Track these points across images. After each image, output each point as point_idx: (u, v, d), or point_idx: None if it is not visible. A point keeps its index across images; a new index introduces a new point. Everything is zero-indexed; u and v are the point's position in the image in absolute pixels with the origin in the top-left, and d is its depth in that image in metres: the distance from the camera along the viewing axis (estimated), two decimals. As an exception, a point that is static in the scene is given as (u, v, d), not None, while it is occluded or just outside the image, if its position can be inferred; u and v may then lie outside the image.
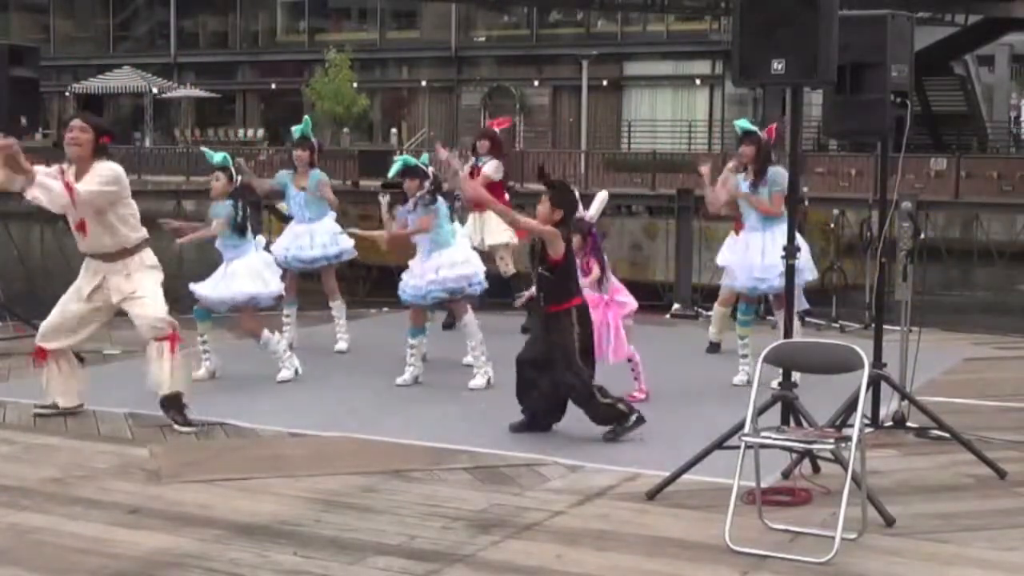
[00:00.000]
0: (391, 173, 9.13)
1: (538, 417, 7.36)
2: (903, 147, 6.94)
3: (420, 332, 8.86)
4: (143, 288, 7.46)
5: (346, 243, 10.16)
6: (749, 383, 8.76)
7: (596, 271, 8.11)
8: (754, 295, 9.15)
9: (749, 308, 9.16)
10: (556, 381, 7.22)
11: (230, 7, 49.47)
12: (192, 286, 8.89)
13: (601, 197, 8.41)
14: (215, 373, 8.94)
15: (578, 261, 8.12)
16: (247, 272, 8.79)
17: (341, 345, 10.06)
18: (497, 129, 11.27)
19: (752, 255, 8.91)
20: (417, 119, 45.63)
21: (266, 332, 8.84)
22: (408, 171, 8.75)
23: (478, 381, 8.56)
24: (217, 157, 8.91)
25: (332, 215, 10.15)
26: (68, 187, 7.12)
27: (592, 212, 8.23)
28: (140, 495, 6.05)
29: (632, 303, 8.32)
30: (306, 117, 10.50)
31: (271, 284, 8.92)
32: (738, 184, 8.99)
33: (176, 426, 7.39)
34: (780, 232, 8.71)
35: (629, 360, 8.27)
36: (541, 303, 7.34)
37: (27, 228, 20.46)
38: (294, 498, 5.99)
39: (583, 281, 7.98)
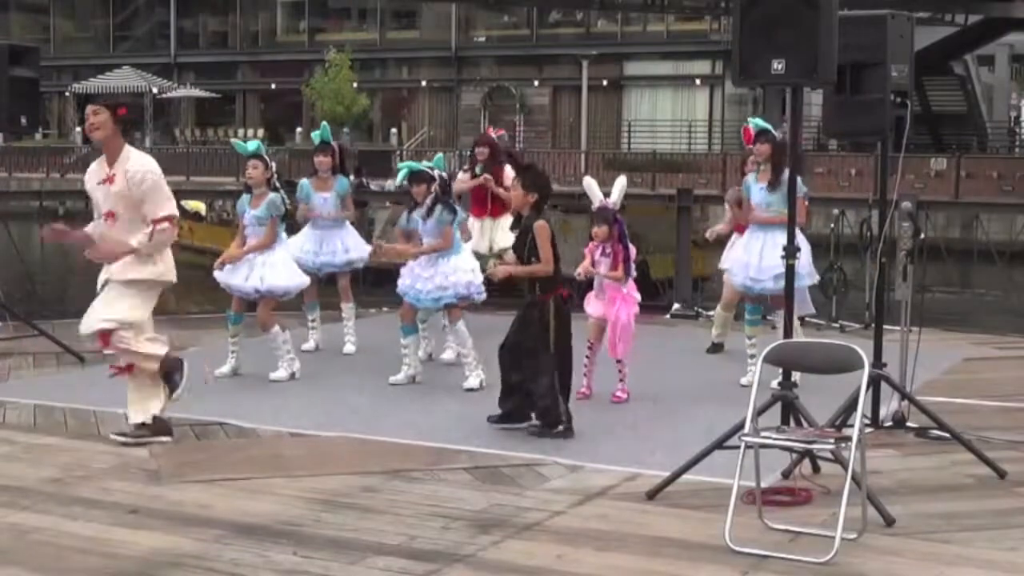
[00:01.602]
0: (398, 180, 9.11)
1: (516, 408, 7.38)
2: (903, 147, 6.94)
3: (413, 331, 8.84)
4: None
5: (365, 249, 10.23)
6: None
7: (622, 261, 8.18)
8: (749, 295, 9.09)
9: (756, 308, 9.12)
10: (527, 366, 7.27)
11: (230, 7, 49.50)
12: (220, 275, 8.92)
13: (620, 183, 8.43)
14: (237, 371, 8.98)
15: (608, 250, 8.16)
16: (283, 264, 8.93)
17: (349, 348, 10.03)
18: (495, 135, 11.17)
19: (750, 255, 8.88)
20: (417, 119, 45.66)
21: (276, 327, 8.88)
22: (414, 177, 8.68)
23: (472, 382, 8.55)
24: (251, 146, 8.96)
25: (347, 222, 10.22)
26: (109, 179, 6.85)
27: (614, 199, 8.26)
28: (140, 495, 6.04)
29: (636, 303, 8.35)
30: (324, 123, 10.46)
31: (298, 278, 9.07)
32: (749, 185, 8.95)
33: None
34: (781, 235, 8.72)
35: (618, 361, 8.27)
36: (535, 291, 7.32)
37: (27, 228, 20.46)
38: (294, 498, 5.99)
39: (605, 271, 8.03)
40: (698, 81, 41.19)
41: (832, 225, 12.96)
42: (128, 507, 5.84)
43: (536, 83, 43.52)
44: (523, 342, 7.29)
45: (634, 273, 8.38)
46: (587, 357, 8.27)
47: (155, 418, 7.06)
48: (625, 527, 5.58)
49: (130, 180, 6.83)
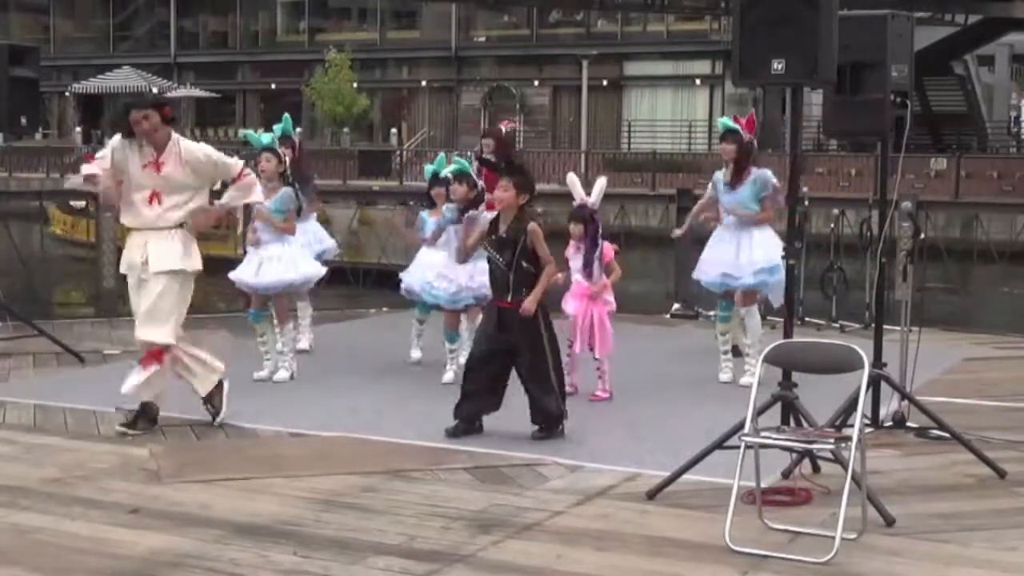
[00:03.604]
0: (448, 170, 8.95)
1: (475, 415, 7.32)
2: (903, 147, 6.94)
3: (457, 336, 8.89)
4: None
5: (329, 242, 10.16)
6: (734, 380, 8.80)
7: (610, 256, 8.25)
8: (720, 291, 9.05)
9: (728, 305, 9.08)
10: (509, 369, 7.24)
11: (230, 7, 49.52)
12: (232, 274, 8.94)
13: (600, 183, 8.45)
14: (272, 375, 8.89)
15: (581, 248, 8.19)
16: (289, 258, 8.85)
17: (303, 344, 9.83)
18: (504, 128, 11.11)
19: (724, 253, 8.86)
20: (417, 119, 45.68)
21: (291, 323, 8.92)
22: (461, 175, 8.64)
23: (450, 376, 8.66)
24: (265, 139, 8.95)
25: (314, 215, 10.12)
26: (156, 164, 7.34)
27: (593, 199, 8.28)
28: (140, 495, 6.04)
29: (614, 304, 8.37)
30: (285, 115, 10.35)
31: (307, 268, 9.00)
32: (717, 183, 8.96)
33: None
34: (758, 232, 8.72)
35: (596, 359, 8.28)
36: (520, 297, 7.22)
37: (27, 228, 20.46)
38: (294, 498, 5.99)
39: (578, 267, 8.09)
40: (698, 81, 41.20)
41: (832, 225, 12.95)
42: (128, 507, 5.84)
43: (536, 83, 43.54)
44: (522, 350, 7.22)
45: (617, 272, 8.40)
46: (567, 355, 8.32)
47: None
48: (625, 527, 5.58)
49: (190, 159, 7.36)
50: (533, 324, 7.19)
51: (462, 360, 8.47)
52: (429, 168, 9.22)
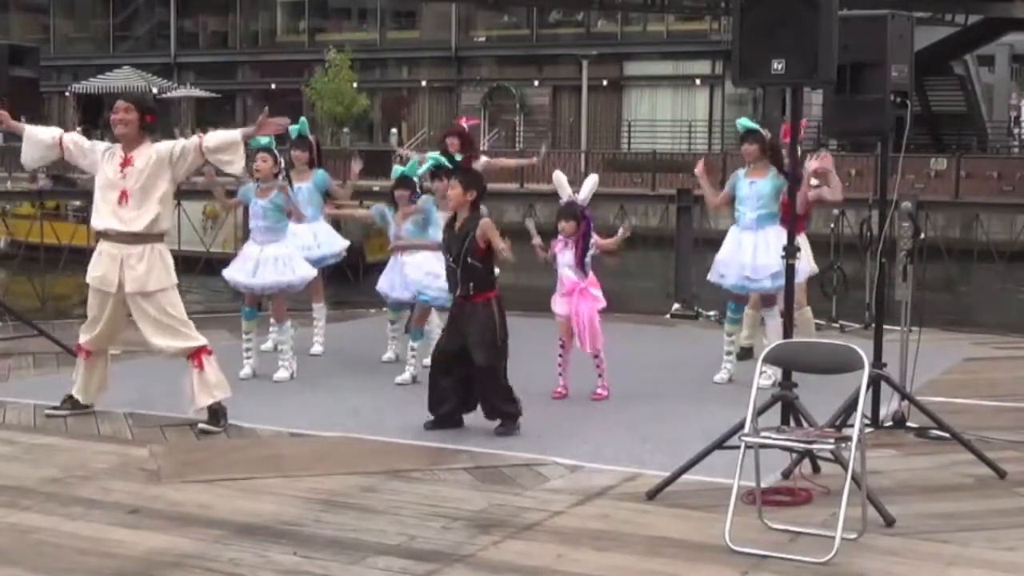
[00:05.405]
0: (423, 169, 9.17)
1: (450, 412, 7.37)
2: (903, 147, 6.94)
3: (421, 335, 8.89)
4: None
5: (342, 243, 10.18)
6: (731, 381, 8.80)
7: (589, 254, 8.28)
8: (742, 293, 9.05)
9: (738, 307, 9.09)
10: (471, 369, 7.25)
11: (230, 7, 49.56)
12: (226, 274, 9.01)
13: (591, 180, 8.46)
14: (255, 372, 8.95)
15: (571, 244, 8.20)
16: (286, 258, 8.89)
17: (317, 348, 9.90)
18: (466, 125, 11.05)
19: (743, 254, 8.85)
20: (417, 119, 45.70)
21: (289, 321, 8.93)
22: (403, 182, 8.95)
23: (407, 376, 8.74)
24: (263, 139, 8.99)
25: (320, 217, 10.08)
26: (126, 160, 7.25)
27: (583, 196, 8.29)
28: (140, 495, 6.05)
29: (602, 300, 8.36)
30: (302, 118, 10.41)
31: (303, 270, 9.03)
32: (737, 181, 8.95)
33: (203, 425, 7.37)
34: (774, 233, 8.70)
35: (595, 357, 8.29)
36: (468, 292, 7.31)
37: (26, 227, 20.48)
38: (294, 498, 5.99)
39: (568, 263, 8.07)
40: (698, 81, 41.22)
41: (832, 225, 12.94)
42: (128, 507, 5.84)
43: (536, 83, 43.56)
44: (472, 344, 7.26)
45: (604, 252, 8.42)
46: (560, 356, 8.32)
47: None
48: (625, 527, 5.58)
49: (159, 151, 7.25)
50: (487, 321, 7.26)
51: (426, 362, 8.41)
52: (398, 169, 9.22)
